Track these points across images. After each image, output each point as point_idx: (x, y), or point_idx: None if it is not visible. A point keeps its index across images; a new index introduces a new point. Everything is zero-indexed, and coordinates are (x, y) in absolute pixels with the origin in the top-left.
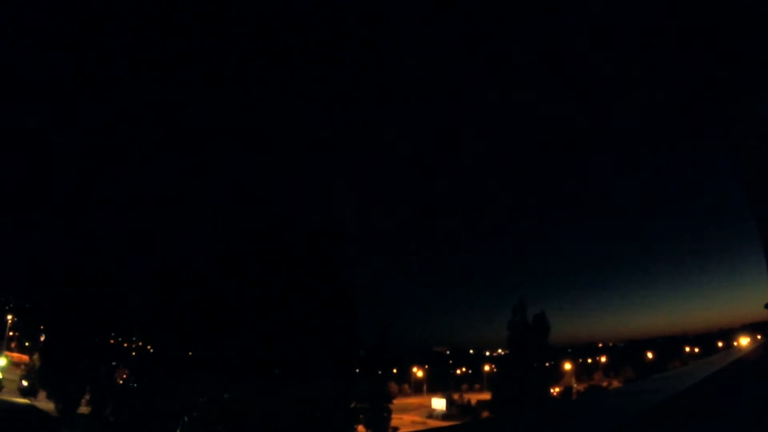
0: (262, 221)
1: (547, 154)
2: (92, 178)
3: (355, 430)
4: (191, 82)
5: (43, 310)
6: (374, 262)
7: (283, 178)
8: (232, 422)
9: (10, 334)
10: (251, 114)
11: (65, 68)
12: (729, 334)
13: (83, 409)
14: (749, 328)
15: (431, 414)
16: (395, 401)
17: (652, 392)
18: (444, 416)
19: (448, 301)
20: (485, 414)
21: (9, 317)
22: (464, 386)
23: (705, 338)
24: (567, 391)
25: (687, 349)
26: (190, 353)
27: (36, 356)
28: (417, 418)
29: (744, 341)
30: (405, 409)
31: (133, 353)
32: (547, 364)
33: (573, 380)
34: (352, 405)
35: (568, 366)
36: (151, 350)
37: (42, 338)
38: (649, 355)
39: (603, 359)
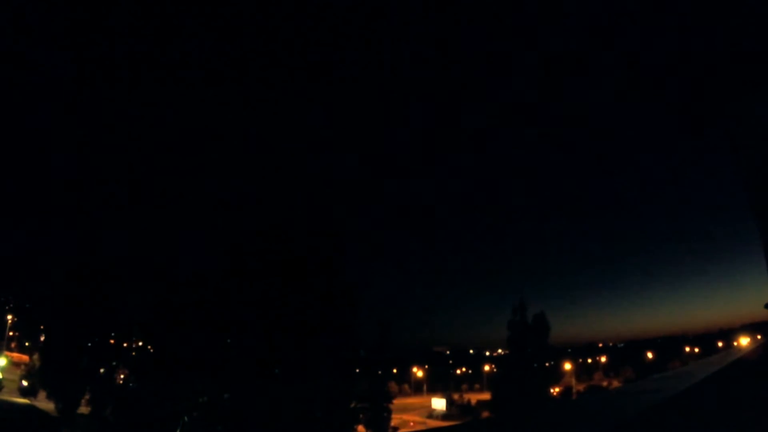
0: (262, 221)
1: (547, 154)
2: (92, 177)
3: (355, 430)
4: (192, 81)
5: (43, 310)
6: (374, 262)
7: (282, 178)
8: (232, 422)
9: (10, 334)
10: (251, 113)
11: (65, 68)
12: (729, 334)
13: (83, 409)
14: (749, 328)
15: (431, 414)
16: (395, 401)
17: (652, 392)
18: (444, 416)
19: (448, 301)
20: (485, 414)
21: (9, 317)
22: (464, 386)
23: (705, 338)
24: (567, 391)
25: (687, 349)
26: (190, 353)
27: (36, 356)
28: (417, 418)
29: (744, 341)
30: (405, 409)
31: (133, 353)
32: (547, 364)
33: (573, 380)
34: (352, 405)
35: (568, 366)
36: (151, 350)
37: (42, 338)
38: (649, 355)
39: (603, 359)
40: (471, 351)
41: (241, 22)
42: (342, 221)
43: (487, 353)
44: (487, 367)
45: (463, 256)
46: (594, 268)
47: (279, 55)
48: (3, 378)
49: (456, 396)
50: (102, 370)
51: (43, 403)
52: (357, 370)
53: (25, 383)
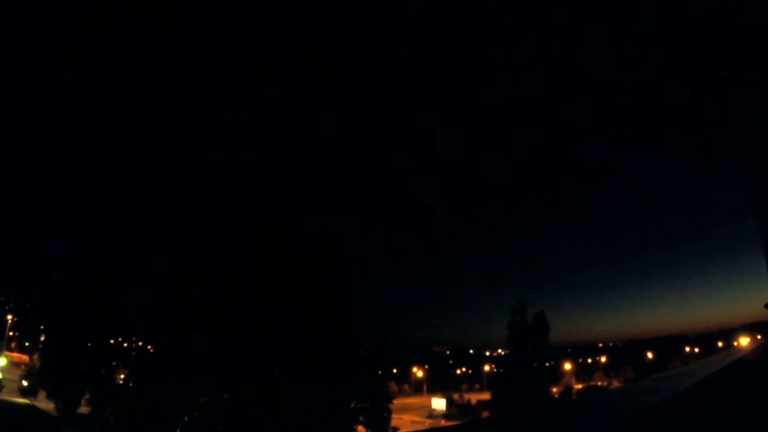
0: (262, 221)
1: (547, 154)
2: (92, 178)
3: (355, 430)
4: (192, 81)
5: (43, 310)
6: (374, 262)
7: (283, 179)
8: (232, 422)
9: (10, 334)
10: (254, 116)
11: (66, 68)
12: (729, 334)
13: (83, 409)
14: (749, 328)
15: (431, 414)
16: (395, 401)
17: (652, 392)
18: (444, 416)
19: (448, 301)
20: (485, 414)
21: (9, 317)
22: (464, 386)
23: (705, 338)
24: (567, 391)
25: (687, 349)
26: (190, 353)
27: (36, 356)
28: (417, 418)
29: (744, 341)
30: (405, 409)
31: (133, 353)
32: (547, 364)
33: (573, 380)
34: (352, 405)
35: (568, 366)
36: (151, 350)
37: (42, 338)
38: (649, 355)
39: (603, 359)
40: (471, 351)
41: (242, 22)
42: (342, 222)
43: (487, 353)
44: (487, 367)
45: (463, 256)
46: (594, 268)
47: (279, 55)
48: (3, 378)
49: (456, 396)
50: (102, 370)
51: (43, 403)
52: (357, 370)
53: (25, 383)
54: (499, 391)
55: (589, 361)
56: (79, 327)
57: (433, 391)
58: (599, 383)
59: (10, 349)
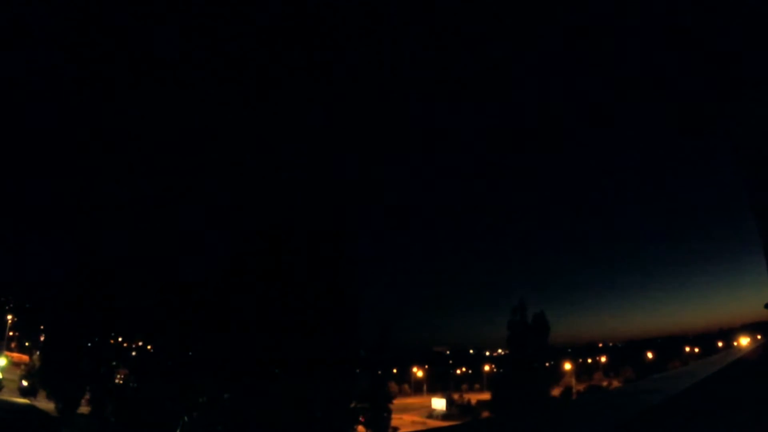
0: (262, 221)
1: (547, 154)
2: (93, 178)
3: (355, 430)
4: (194, 82)
5: (43, 310)
6: (374, 262)
7: (283, 179)
8: (232, 422)
9: (10, 334)
10: (252, 113)
11: (66, 68)
12: (729, 334)
13: (83, 409)
14: (749, 328)
15: (431, 414)
16: (395, 401)
17: (652, 392)
18: (444, 416)
19: (448, 301)
20: (485, 414)
21: (9, 317)
22: (464, 386)
23: (705, 338)
24: (567, 391)
25: (687, 349)
26: (190, 353)
27: (36, 356)
28: (417, 418)
29: (744, 341)
30: (405, 409)
31: (133, 353)
32: (547, 364)
33: (573, 380)
34: (352, 405)
35: (568, 366)
36: (151, 350)
37: (42, 338)
38: (649, 355)
39: (603, 359)
40: (471, 351)
41: (242, 21)
42: (342, 221)
43: (487, 353)
44: (487, 367)
45: (463, 256)
46: (594, 268)
47: (280, 54)
48: (3, 378)
49: (456, 396)
50: (102, 370)
51: (43, 403)
52: (357, 370)
53: (25, 383)
54: (499, 391)
55: (589, 361)
56: (79, 327)
57: (433, 391)
58: (603, 383)
59: (10, 349)
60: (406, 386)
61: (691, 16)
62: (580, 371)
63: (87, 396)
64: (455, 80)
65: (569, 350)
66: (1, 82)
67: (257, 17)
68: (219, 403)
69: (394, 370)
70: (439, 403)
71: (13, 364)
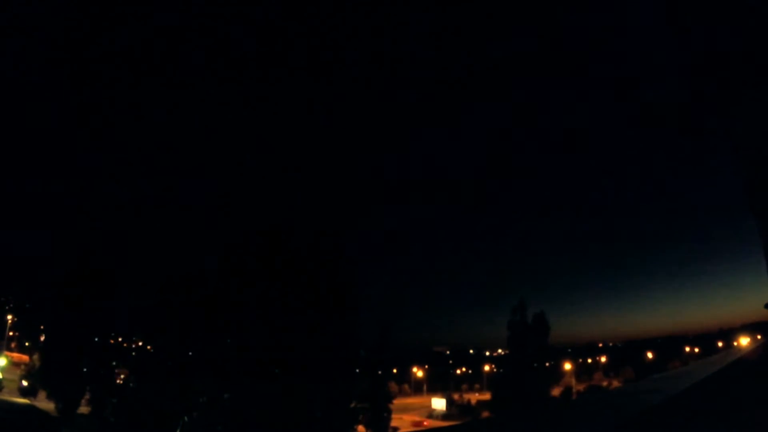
0: (262, 221)
1: (547, 154)
2: (93, 178)
3: (355, 430)
4: (195, 82)
5: (43, 310)
6: (374, 262)
7: (283, 179)
8: (232, 422)
9: (10, 334)
10: (254, 115)
11: (66, 68)
12: (729, 334)
13: (83, 409)
14: (749, 328)
15: (431, 414)
16: (395, 401)
17: (652, 392)
18: (444, 416)
19: (448, 301)
20: (485, 414)
21: (9, 317)
22: (464, 386)
23: (705, 338)
24: (567, 391)
25: (687, 349)
26: (190, 353)
27: (36, 356)
28: (417, 418)
29: (744, 341)
30: (405, 409)
31: (133, 353)
32: (547, 364)
33: (573, 380)
34: (352, 405)
35: (568, 366)
36: (151, 350)
37: (42, 338)
38: (649, 355)
39: (603, 359)
40: (471, 351)
41: (243, 21)
42: (342, 221)
43: (487, 353)
44: (487, 367)
45: (463, 256)
46: (594, 268)
47: (281, 54)
48: (3, 378)
49: (456, 396)
50: (102, 370)
51: (43, 403)
52: (357, 370)
53: (25, 383)
54: (499, 391)
55: (589, 361)
56: (79, 327)
57: (433, 391)
58: (603, 383)
59: (10, 349)
60: (406, 386)
61: (691, 15)
62: (580, 371)
63: (87, 396)
64: (456, 80)
65: (569, 350)
66: (1, 82)
67: (260, 17)
68: (219, 403)
69: (394, 370)
70: (439, 403)
71: (13, 364)
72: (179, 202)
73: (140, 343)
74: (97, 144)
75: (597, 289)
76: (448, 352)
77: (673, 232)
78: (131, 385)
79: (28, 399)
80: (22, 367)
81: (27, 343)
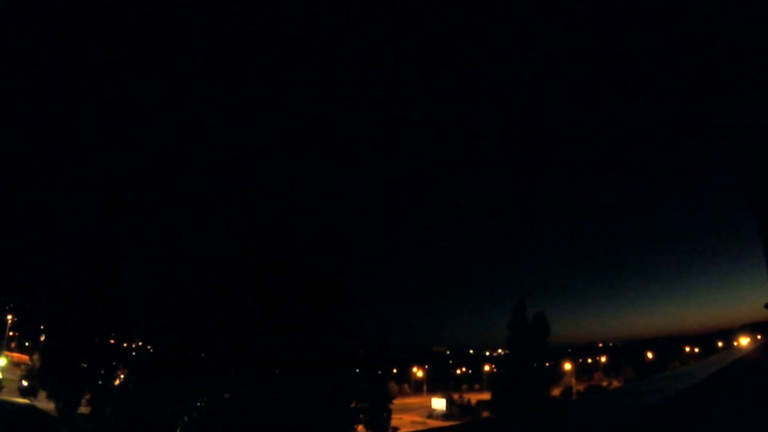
0: (262, 222)
1: (547, 154)
2: (93, 177)
3: (355, 430)
4: (195, 81)
5: (43, 310)
6: (374, 262)
7: (283, 179)
8: (232, 422)
9: (10, 334)
10: (254, 115)
11: (66, 66)
12: (729, 334)
13: (83, 409)
14: (749, 328)
15: (431, 414)
16: (395, 401)
17: (652, 392)
18: (444, 416)
19: (448, 301)
20: (485, 414)
21: (9, 317)
22: (464, 386)
23: (705, 338)
24: (567, 391)
25: (687, 349)
26: (190, 353)
27: (36, 356)
28: (417, 418)
29: (744, 341)
30: (405, 409)
31: (133, 353)
32: (547, 364)
33: (573, 380)
34: (352, 405)
35: (568, 366)
36: (151, 350)
37: (42, 338)
38: (649, 355)
39: (603, 359)
40: (471, 351)
41: (245, 19)
42: (342, 221)
43: (487, 353)
44: (487, 367)
45: (464, 257)
46: (594, 268)
47: (280, 52)
48: (3, 378)
49: (456, 396)
50: (102, 370)
51: (43, 403)
52: (357, 370)
53: (25, 383)
54: (499, 391)
55: (589, 361)
56: (79, 327)
57: (433, 391)
58: (603, 383)
59: (10, 349)
60: (406, 386)
61: (692, 15)
62: (580, 371)
63: (87, 396)
64: (456, 79)
65: (569, 350)
66: (1, 81)
67: (264, 15)
68: (219, 403)
69: (394, 370)
70: (439, 403)
71: (13, 364)
72: (181, 201)
73: (140, 343)
74: (97, 143)
75: (597, 289)
76: (448, 352)
77: (673, 232)
78: (131, 385)
79: (28, 399)
80: (22, 367)
81: (27, 343)
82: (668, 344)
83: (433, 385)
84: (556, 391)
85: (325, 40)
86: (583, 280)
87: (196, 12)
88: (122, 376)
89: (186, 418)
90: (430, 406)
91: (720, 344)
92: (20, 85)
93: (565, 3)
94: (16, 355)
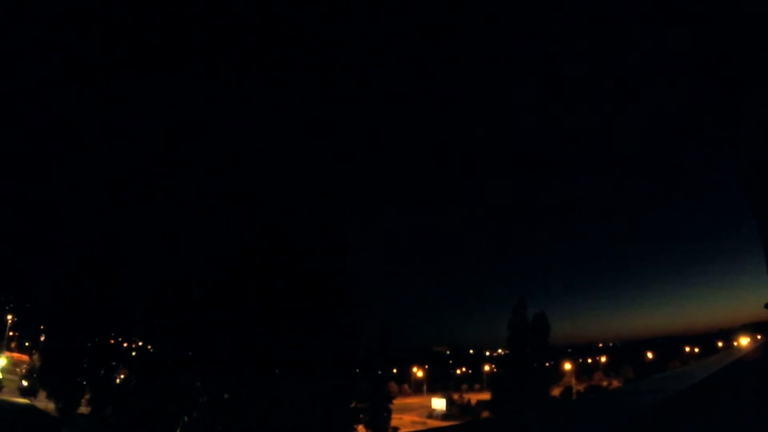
0: (262, 222)
1: (547, 154)
2: (93, 177)
3: (355, 430)
4: (195, 80)
5: (43, 310)
6: (374, 261)
7: (283, 179)
8: (232, 422)
9: (10, 334)
10: (254, 114)
11: (65, 65)
12: (729, 334)
13: (83, 409)
14: (749, 328)
15: (431, 414)
16: (395, 401)
17: (652, 392)
18: (444, 416)
19: (448, 301)
20: (485, 414)
21: (9, 317)
22: (464, 386)
23: (705, 338)
24: (567, 391)
25: (687, 349)
26: (190, 353)
27: (36, 356)
28: (417, 418)
29: (744, 341)
30: (405, 409)
31: (133, 353)
32: (547, 364)
33: (573, 380)
34: (352, 405)
35: (568, 366)
36: (151, 350)
37: (42, 338)
38: (649, 355)
39: (603, 359)
40: (471, 351)
41: (244, 18)
42: (342, 221)
43: (487, 353)
44: (487, 367)
45: (464, 256)
46: (594, 268)
47: (280, 51)
48: (3, 378)
49: (456, 396)
50: (102, 370)
51: (43, 403)
52: (357, 370)
53: (25, 383)
54: (499, 391)
55: (589, 361)
56: (79, 327)
57: (433, 391)
58: (603, 383)
59: (10, 349)
60: (406, 386)
61: (692, 14)
62: (580, 371)
63: (87, 396)
64: (456, 79)
65: (569, 350)
66: (1, 81)
67: (263, 13)
68: (219, 403)
69: (394, 370)
70: (439, 403)
71: (13, 364)
72: (180, 201)
73: (140, 343)
74: (97, 143)
75: (597, 289)
76: (448, 352)
77: (673, 232)
78: (131, 385)
79: (28, 399)
80: (22, 367)
81: (27, 343)
82: (668, 344)
83: (433, 385)
84: (556, 391)
85: (325, 40)
86: (583, 280)
87: (196, 12)
88: (122, 376)
89: (186, 418)
90: (430, 406)
91: (720, 344)
92: (20, 85)
93: (565, 3)
94: (16, 355)
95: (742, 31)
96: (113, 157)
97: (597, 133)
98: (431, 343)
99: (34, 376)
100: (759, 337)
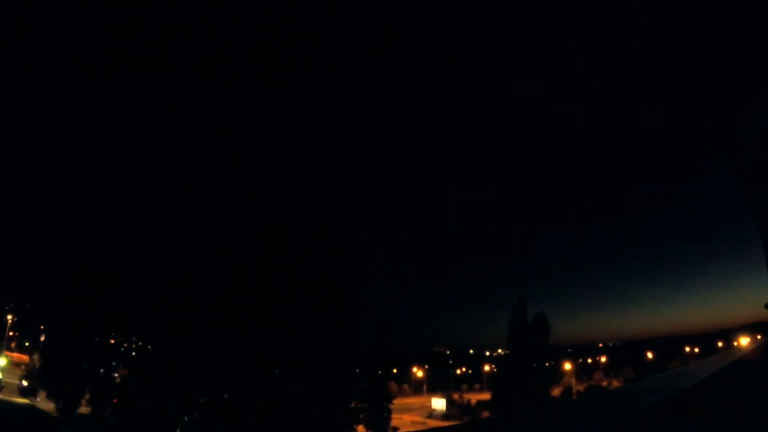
0: (262, 222)
1: (547, 154)
2: (92, 177)
3: (355, 430)
4: (196, 78)
5: (43, 310)
6: (374, 261)
7: (283, 178)
8: (232, 422)
9: (10, 334)
10: (255, 114)
11: (65, 66)
12: (729, 334)
13: (83, 409)
14: (749, 328)
15: (431, 414)
16: (395, 401)
17: (652, 392)
18: (444, 416)
19: (448, 301)
20: (485, 414)
21: (9, 317)
22: (464, 386)
23: (705, 338)
24: (567, 391)
25: (687, 349)
26: (190, 353)
27: (36, 356)
28: (417, 418)
29: (744, 341)
30: (405, 409)
31: (133, 353)
32: (547, 364)
33: (573, 380)
34: (352, 405)
35: (568, 366)
36: (151, 350)
37: (42, 338)
38: (649, 355)
39: (603, 359)
40: (471, 351)
41: (243, 17)
42: (343, 221)
43: (487, 353)
44: (487, 367)
45: (464, 256)
46: (594, 268)
47: (280, 50)
48: (3, 378)
49: (456, 396)
50: (102, 370)
51: (43, 403)
52: (357, 370)
53: (25, 383)
54: (499, 391)
55: (589, 361)
56: (79, 327)
57: (433, 391)
58: (603, 383)
59: (10, 349)
60: (406, 386)
61: (693, 14)
62: (580, 371)
63: (87, 396)
64: (456, 79)
65: (569, 350)
66: (1, 81)
67: (262, 13)
68: (219, 403)
69: (394, 370)
70: (439, 403)
71: (13, 364)
72: (180, 201)
73: (140, 343)
74: (97, 143)
75: (597, 289)
76: (448, 352)
77: (673, 232)
78: (131, 385)
79: (28, 399)
80: (22, 367)
81: (27, 343)
82: (668, 344)
83: (433, 385)
84: (556, 391)
85: (325, 40)
86: (583, 280)
87: (196, 12)
88: (122, 376)
89: (186, 418)
90: (430, 406)
91: (720, 344)
92: (20, 85)
93: (566, 3)
94: (16, 355)
95: (743, 30)
96: (113, 157)
97: (597, 133)
98: (431, 343)
99: (34, 376)
100: (759, 337)
